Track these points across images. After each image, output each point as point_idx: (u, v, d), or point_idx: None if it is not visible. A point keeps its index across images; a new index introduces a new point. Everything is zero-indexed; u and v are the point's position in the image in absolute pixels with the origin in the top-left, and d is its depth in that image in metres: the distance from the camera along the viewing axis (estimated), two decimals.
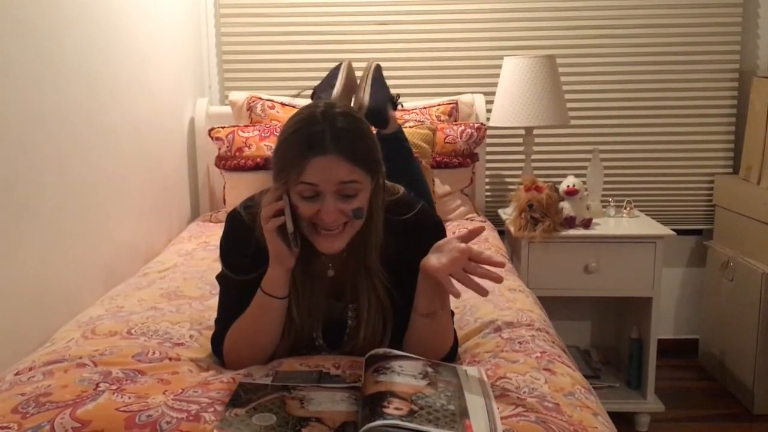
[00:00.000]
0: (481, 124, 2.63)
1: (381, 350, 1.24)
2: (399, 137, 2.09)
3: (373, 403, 1.05)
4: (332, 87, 2.03)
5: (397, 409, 1.03)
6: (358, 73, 2.10)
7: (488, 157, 2.85)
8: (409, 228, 1.31)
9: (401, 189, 1.38)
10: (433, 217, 1.38)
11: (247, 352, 1.30)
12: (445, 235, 1.39)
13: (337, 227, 1.21)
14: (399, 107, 2.14)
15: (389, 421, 1.00)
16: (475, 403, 1.10)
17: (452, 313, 1.38)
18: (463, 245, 1.18)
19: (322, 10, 2.86)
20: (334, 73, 2.08)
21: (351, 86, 2.07)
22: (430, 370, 1.19)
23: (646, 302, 2.52)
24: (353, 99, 2.03)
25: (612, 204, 2.67)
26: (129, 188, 2.11)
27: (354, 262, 1.29)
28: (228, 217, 1.36)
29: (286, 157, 1.19)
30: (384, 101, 2.04)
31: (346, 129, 1.18)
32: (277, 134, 1.25)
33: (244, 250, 1.29)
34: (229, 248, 1.36)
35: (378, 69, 2.08)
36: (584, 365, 2.77)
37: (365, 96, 1.99)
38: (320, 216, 1.19)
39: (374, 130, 2.09)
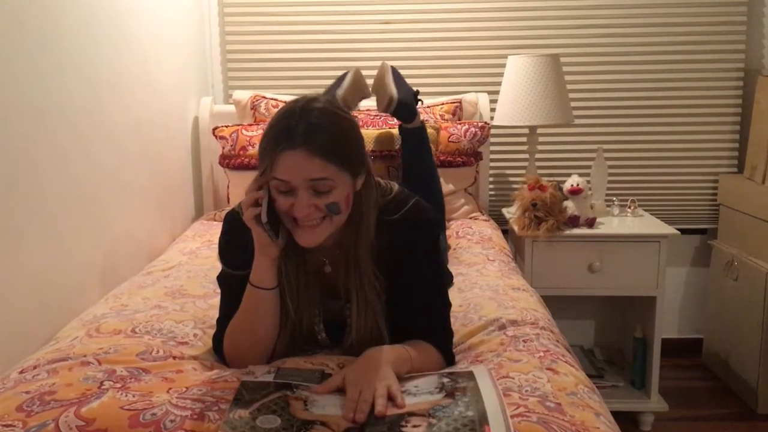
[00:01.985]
0: (485, 123, 2.63)
1: None
2: (421, 134, 2.10)
3: (390, 423, 1.05)
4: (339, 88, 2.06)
5: (415, 426, 1.03)
6: (369, 81, 2.11)
7: (492, 156, 2.85)
8: (399, 226, 1.31)
9: (395, 186, 1.38)
10: (424, 213, 1.36)
11: (245, 347, 1.30)
12: (435, 232, 1.39)
13: (314, 221, 1.21)
14: (420, 103, 2.15)
15: None
16: (491, 406, 1.09)
17: (449, 305, 1.39)
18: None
19: (326, 9, 2.86)
20: (342, 77, 2.10)
21: (359, 89, 2.08)
22: (446, 380, 1.18)
23: (650, 301, 2.52)
24: (380, 97, 2.04)
25: (616, 203, 2.67)
26: (132, 187, 2.12)
27: (346, 260, 1.30)
28: (226, 216, 1.38)
29: (263, 150, 1.21)
30: (411, 94, 2.06)
31: (321, 124, 1.18)
32: None
33: (242, 247, 1.30)
34: (227, 245, 1.37)
35: (394, 68, 2.10)
36: (588, 364, 2.77)
37: (392, 89, 2.00)
38: (294, 210, 1.20)
39: (398, 124, 2.11)
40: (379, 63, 2.18)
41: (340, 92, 2.03)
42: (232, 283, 1.33)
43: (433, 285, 1.37)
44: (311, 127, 1.17)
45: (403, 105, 2.01)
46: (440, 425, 1.03)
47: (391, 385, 1.15)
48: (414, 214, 1.34)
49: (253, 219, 1.22)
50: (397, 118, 2.09)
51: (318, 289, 1.34)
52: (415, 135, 2.08)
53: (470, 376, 1.19)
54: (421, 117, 2.57)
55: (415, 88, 2.14)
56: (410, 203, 1.34)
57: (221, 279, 1.39)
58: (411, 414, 1.07)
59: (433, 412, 1.06)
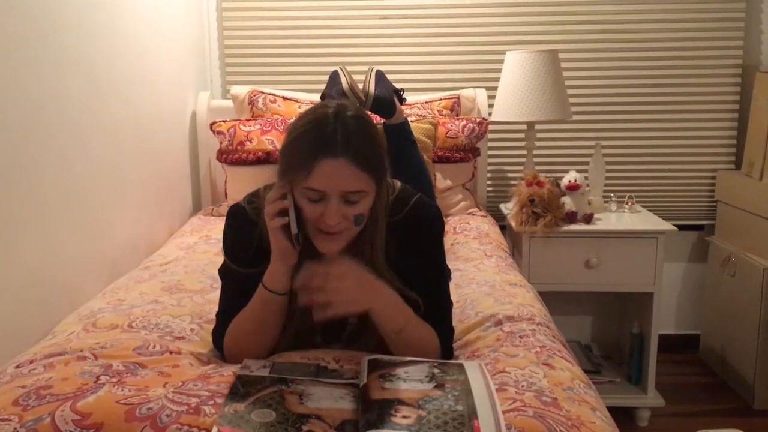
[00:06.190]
0: (483, 118, 2.63)
1: (385, 357, 1.24)
2: (405, 129, 2.12)
3: (380, 409, 1.05)
4: (339, 85, 2.07)
5: (404, 417, 1.03)
6: (357, 77, 2.12)
7: (490, 151, 2.85)
8: (406, 224, 1.31)
9: (398, 184, 1.37)
10: (427, 211, 1.36)
11: (248, 347, 1.30)
12: (440, 224, 1.39)
13: (338, 230, 1.21)
14: (403, 101, 2.16)
15: (397, 431, 1.00)
16: (480, 400, 1.10)
17: (450, 304, 1.39)
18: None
19: (324, 4, 2.85)
20: (334, 76, 2.12)
21: (352, 84, 2.10)
22: (436, 371, 1.19)
23: (647, 297, 2.52)
24: (359, 92, 2.06)
25: (613, 199, 2.67)
26: (130, 181, 2.12)
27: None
28: (230, 211, 1.37)
29: (294, 157, 1.18)
30: (389, 90, 2.08)
31: (357, 132, 1.17)
32: (280, 129, 1.25)
33: (247, 243, 1.29)
34: (232, 240, 1.36)
35: (379, 70, 2.13)
36: (585, 360, 2.77)
37: (371, 86, 2.03)
38: (323, 218, 1.19)
39: (380, 120, 2.12)
40: (376, 58, 2.19)
41: (345, 84, 2.04)
42: (237, 280, 1.32)
43: (435, 283, 1.37)
44: (349, 135, 1.15)
45: (380, 100, 2.02)
46: (429, 417, 1.03)
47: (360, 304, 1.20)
48: (420, 208, 1.34)
49: (279, 228, 1.21)
50: (377, 114, 2.10)
51: None
52: (398, 130, 2.10)
53: (461, 368, 1.20)
54: (420, 112, 2.59)
55: (399, 86, 2.15)
56: (412, 201, 1.34)
57: (224, 273, 1.38)
58: (400, 402, 1.07)
59: (422, 403, 1.07)
